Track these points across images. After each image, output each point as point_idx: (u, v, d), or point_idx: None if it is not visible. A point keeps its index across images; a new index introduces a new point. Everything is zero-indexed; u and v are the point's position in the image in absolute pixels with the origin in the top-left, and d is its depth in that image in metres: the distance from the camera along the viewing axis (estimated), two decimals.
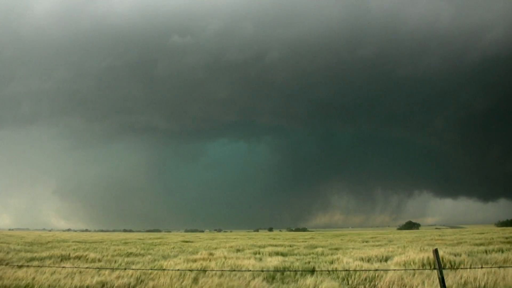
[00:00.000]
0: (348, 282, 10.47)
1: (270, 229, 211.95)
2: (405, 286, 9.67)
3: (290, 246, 26.85)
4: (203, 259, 16.22)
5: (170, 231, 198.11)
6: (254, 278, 10.57)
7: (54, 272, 11.77)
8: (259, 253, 20.49)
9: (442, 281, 7.12)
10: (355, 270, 11.56)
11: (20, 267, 13.08)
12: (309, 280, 10.20)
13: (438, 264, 7.19)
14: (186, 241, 38.89)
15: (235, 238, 48.03)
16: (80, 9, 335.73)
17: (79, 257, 17.24)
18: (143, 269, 13.10)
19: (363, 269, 12.18)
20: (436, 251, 7.37)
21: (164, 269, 13.12)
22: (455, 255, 14.98)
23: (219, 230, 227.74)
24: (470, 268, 11.47)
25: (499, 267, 11.49)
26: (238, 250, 22.87)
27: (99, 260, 16.72)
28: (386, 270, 11.20)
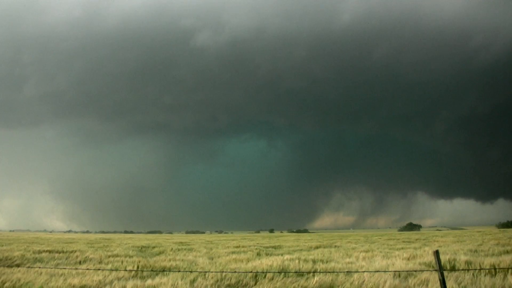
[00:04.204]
0: None
1: (271, 231, 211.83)
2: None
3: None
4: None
5: (171, 233, 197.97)
6: None
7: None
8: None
9: (442, 282, 7.10)
10: (363, 271, 11.53)
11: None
12: None
13: (439, 265, 7.17)
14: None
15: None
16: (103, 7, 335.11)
17: None
18: (144, 270, 13.07)
19: (364, 270, 12.17)
20: (437, 252, 7.36)
21: (165, 270, 13.10)
22: None
23: (220, 232, 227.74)
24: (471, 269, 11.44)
25: (501, 268, 11.47)
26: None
27: None
28: (387, 272, 11.19)
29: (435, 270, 7.39)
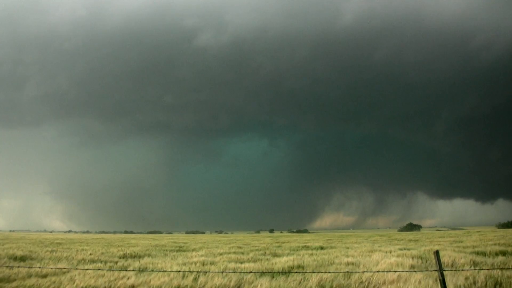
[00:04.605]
0: None
1: (271, 231, 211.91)
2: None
3: None
4: None
5: (171, 233, 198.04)
6: None
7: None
8: None
9: (443, 282, 7.18)
10: (364, 271, 11.60)
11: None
12: None
13: (439, 265, 7.25)
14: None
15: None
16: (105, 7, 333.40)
17: None
18: (143, 270, 13.15)
19: (366, 270, 12.24)
20: (437, 253, 7.43)
21: (165, 271, 13.16)
22: None
23: (220, 232, 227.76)
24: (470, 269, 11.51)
25: (502, 269, 11.53)
26: None
27: None
28: (387, 272, 11.26)
29: (435, 270, 7.47)
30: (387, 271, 11.40)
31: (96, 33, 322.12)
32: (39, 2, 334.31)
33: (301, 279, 10.65)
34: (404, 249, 22.82)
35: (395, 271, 11.34)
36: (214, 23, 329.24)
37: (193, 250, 25.81)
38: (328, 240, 43.19)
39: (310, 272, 11.91)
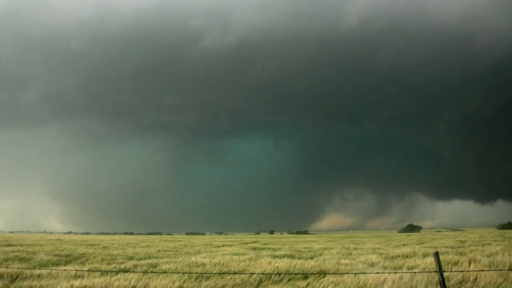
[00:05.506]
0: None
1: (271, 232, 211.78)
2: None
3: None
4: None
5: (171, 234, 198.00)
6: None
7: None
8: None
9: (442, 283, 7.27)
10: (363, 273, 11.68)
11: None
12: None
13: (439, 267, 7.34)
14: None
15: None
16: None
17: None
18: (145, 272, 13.22)
19: (368, 271, 12.31)
20: (436, 254, 7.53)
21: (166, 272, 13.24)
22: None
23: (220, 233, 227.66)
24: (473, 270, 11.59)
25: (501, 269, 11.60)
26: None
27: None
28: (388, 273, 11.33)
29: (435, 271, 7.56)
30: (388, 272, 11.47)
31: (102, 33, 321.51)
32: (46, 2, 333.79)
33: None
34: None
35: (396, 272, 11.41)
36: (221, 23, 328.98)
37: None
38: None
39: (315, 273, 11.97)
